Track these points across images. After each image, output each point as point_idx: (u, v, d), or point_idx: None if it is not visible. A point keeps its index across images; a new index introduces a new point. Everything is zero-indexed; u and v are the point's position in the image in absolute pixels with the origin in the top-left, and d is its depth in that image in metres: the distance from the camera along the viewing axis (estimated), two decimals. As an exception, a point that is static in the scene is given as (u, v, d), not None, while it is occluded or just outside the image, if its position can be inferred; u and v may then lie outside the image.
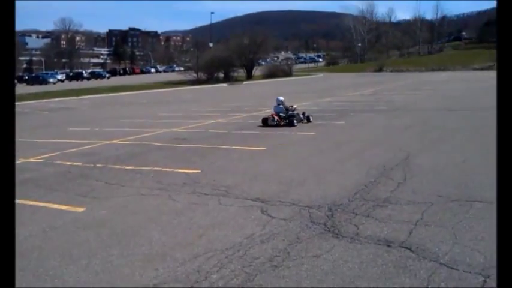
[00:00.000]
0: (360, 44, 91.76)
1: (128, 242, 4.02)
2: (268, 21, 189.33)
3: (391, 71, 64.90)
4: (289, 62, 68.41)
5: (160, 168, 7.11)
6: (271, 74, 55.01)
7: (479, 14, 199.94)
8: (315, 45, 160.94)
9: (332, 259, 3.48)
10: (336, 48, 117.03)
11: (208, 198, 5.33)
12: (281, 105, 12.42)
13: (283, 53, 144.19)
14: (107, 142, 10.21)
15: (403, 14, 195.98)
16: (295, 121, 12.01)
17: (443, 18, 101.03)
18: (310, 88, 30.74)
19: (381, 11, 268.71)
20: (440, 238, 3.80)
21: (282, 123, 11.99)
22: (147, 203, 5.31)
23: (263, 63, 67.20)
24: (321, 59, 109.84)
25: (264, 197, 5.31)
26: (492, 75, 39.75)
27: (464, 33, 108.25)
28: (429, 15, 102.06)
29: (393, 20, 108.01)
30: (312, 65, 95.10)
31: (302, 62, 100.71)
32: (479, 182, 5.48)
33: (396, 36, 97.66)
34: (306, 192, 5.44)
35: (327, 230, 4.14)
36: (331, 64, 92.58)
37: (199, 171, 6.82)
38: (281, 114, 12.23)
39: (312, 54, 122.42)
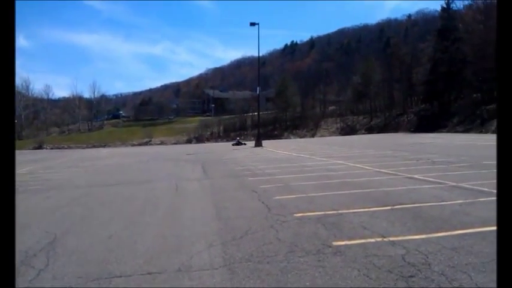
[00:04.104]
0: (16, 121, 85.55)
1: None
2: None
3: (52, 148, 62.78)
4: None
5: None
6: None
7: (135, 94, 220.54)
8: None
9: None
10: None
11: None
12: (238, 140, 47.57)
13: None
14: None
15: (60, 91, 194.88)
16: (243, 144, 44.00)
17: (102, 97, 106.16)
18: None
19: (37, 87, 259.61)
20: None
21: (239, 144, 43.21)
22: None
23: None
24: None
25: None
26: (143, 150, 43.68)
27: (121, 111, 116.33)
28: (87, 94, 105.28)
29: (51, 97, 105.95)
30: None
31: None
32: (122, 256, 5.63)
33: (55, 113, 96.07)
34: None
35: None
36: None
37: None
38: (239, 143, 44.48)
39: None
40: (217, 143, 60.86)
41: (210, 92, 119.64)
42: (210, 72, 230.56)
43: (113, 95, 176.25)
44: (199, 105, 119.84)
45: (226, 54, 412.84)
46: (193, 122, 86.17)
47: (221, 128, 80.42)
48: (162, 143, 68.38)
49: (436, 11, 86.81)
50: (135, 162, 25.45)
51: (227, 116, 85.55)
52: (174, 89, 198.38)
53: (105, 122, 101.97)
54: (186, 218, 8.02)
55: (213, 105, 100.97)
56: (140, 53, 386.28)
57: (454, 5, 63.40)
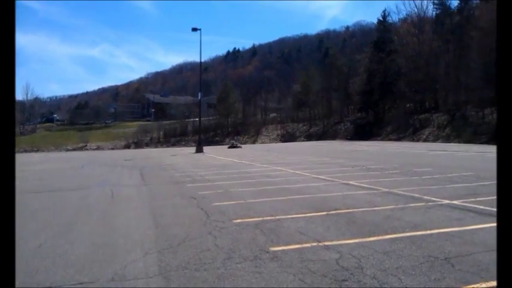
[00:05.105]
0: None
1: None
2: None
3: (-22, 153, 58.90)
4: None
5: None
6: None
7: (71, 97, 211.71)
8: None
9: None
10: None
11: None
12: (234, 142, 51.44)
13: None
14: None
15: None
16: (239, 147, 47.08)
17: (35, 99, 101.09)
18: None
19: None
20: None
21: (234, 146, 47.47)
22: None
23: None
24: None
25: None
26: (82, 155, 42.12)
27: (56, 115, 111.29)
28: (19, 96, 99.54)
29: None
30: None
31: None
32: (52, 266, 5.39)
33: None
34: None
35: None
36: None
37: None
38: (234, 144, 48.58)
39: None
40: (157, 149, 59.76)
41: (151, 96, 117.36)
42: (150, 76, 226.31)
43: (47, 98, 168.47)
44: (139, 109, 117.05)
45: (167, 59, 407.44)
46: (132, 127, 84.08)
47: (161, 133, 79.04)
48: (98, 148, 66.12)
49: (373, 23, 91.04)
50: (69, 168, 24.42)
51: (168, 121, 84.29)
52: (113, 93, 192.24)
53: (38, 125, 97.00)
54: (122, 225, 7.80)
55: (153, 110, 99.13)
56: (77, 55, 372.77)
57: (389, 18, 66.63)
